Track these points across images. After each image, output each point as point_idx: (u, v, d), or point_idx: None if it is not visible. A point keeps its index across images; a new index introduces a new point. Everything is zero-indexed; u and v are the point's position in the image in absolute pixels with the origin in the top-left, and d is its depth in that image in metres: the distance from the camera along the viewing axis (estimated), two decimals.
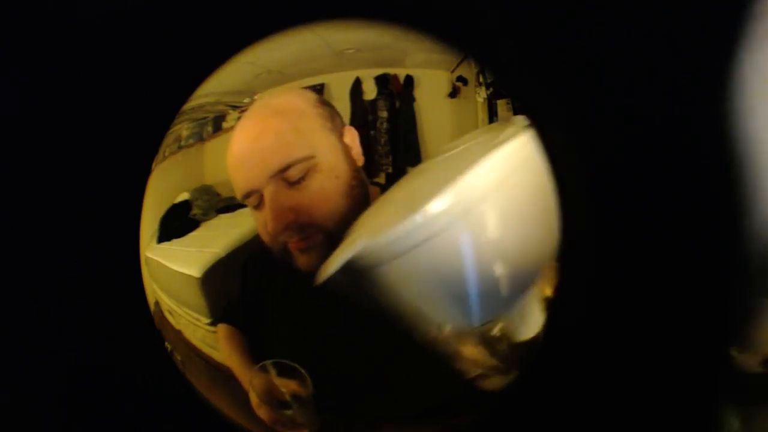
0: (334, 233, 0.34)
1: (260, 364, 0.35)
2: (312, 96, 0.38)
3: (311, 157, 0.35)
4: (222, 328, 0.39)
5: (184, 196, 0.39)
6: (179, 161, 0.37)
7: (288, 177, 0.35)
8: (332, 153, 0.36)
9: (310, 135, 0.36)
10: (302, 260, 0.36)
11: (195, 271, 0.40)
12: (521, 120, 0.31)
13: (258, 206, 0.36)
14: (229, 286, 0.40)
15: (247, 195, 0.36)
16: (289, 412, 0.35)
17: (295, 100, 0.37)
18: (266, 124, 0.36)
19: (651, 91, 0.26)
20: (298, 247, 0.36)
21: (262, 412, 0.35)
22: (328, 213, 0.35)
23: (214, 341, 0.39)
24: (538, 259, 0.30)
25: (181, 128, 0.37)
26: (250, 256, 0.40)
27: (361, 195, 0.37)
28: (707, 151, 0.26)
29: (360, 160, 0.38)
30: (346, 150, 0.37)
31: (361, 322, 0.35)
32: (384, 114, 0.40)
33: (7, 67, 0.27)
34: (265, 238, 0.36)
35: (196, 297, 0.40)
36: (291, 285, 0.38)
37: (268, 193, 0.35)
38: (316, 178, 0.35)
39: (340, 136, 0.37)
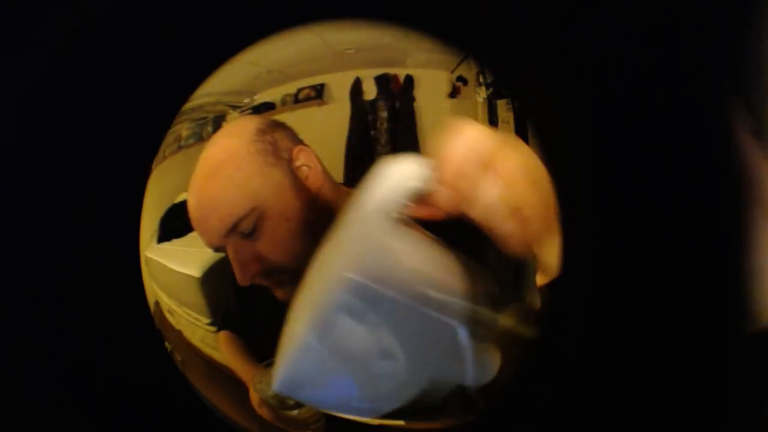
0: (300, 271, 0.33)
1: (267, 361, 0.35)
2: (250, 127, 0.37)
3: (255, 209, 0.35)
4: (223, 334, 0.39)
5: (184, 196, 0.39)
6: (179, 161, 0.37)
7: (241, 230, 0.35)
8: (278, 194, 0.36)
9: (248, 185, 0.36)
10: (279, 293, 0.36)
11: (195, 271, 0.40)
12: None
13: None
14: (227, 293, 0.40)
15: (216, 250, 0.37)
16: (294, 412, 0.35)
17: (229, 144, 0.37)
18: (206, 187, 0.36)
19: (651, 90, 0.26)
20: (271, 287, 0.36)
21: (265, 411, 0.35)
22: (288, 256, 0.35)
23: (214, 341, 0.39)
24: None
25: (181, 128, 0.37)
26: None
27: (323, 225, 0.34)
28: (706, 151, 0.26)
29: (318, 180, 0.37)
30: (296, 180, 0.36)
31: None
32: (384, 114, 0.39)
33: (7, 68, 0.27)
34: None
35: (196, 297, 0.40)
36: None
37: (230, 250, 0.36)
38: (267, 226, 0.35)
39: (289, 163, 0.36)
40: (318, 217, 0.36)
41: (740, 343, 0.27)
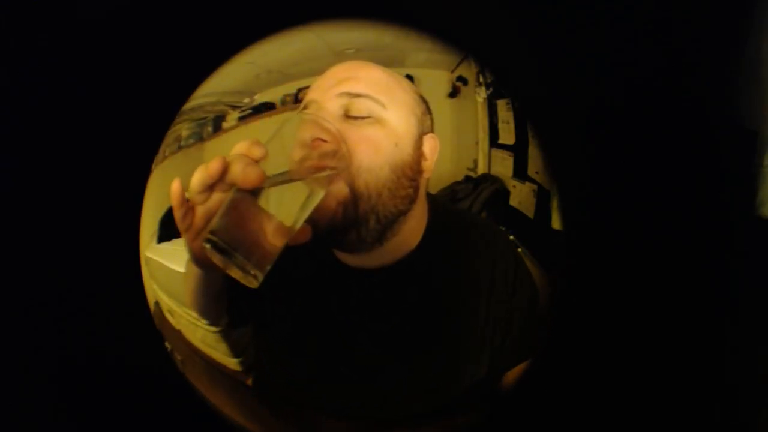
0: (358, 197, 0.31)
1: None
2: (414, 87, 0.36)
3: (384, 107, 0.32)
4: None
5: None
6: (179, 161, 0.37)
7: (351, 107, 0.32)
8: (405, 128, 0.33)
9: (396, 99, 0.33)
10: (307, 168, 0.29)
11: None
12: None
13: None
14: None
15: (305, 107, 0.33)
16: None
17: (399, 76, 0.35)
18: (367, 65, 0.34)
19: (650, 90, 0.26)
20: (310, 172, 0.28)
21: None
22: (365, 166, 0.31)
23: (214, 341, 0.40)
24: None
25: (181, 128, 0.37)
26: None
27: (408, 198, 0.33)
28: (706, 150, 0.26)
29: (428, 171, 0.34)
30: (419, 152, 0.34)
31: (361, 326, 0.35)
32: None
33: (8, 67, 0.27)
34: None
35: None
36: (289, 291, 0.38)
37: (323, 107, 0.32)
38: (376, 128, 0.32)
39: (421, 134, 0.34)
40: (410, 185, 0.33)
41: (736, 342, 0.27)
